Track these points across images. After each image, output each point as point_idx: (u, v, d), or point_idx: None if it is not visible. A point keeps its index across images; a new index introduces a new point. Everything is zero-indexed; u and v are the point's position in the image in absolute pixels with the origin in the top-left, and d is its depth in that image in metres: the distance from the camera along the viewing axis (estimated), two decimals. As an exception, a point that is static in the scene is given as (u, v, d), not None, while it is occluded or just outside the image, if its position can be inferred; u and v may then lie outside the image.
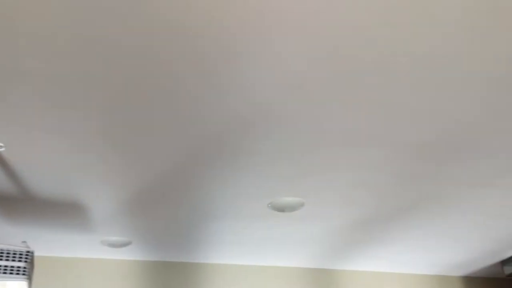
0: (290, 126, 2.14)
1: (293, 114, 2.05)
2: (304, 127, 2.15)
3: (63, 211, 2.98)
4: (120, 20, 1.52)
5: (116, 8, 1.48)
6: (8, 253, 1.86)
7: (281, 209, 3.00)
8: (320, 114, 2.06)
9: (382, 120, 2.12)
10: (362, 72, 1.82)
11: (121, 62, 1.71)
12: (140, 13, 1.51)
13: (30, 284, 1.98)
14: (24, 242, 1.91)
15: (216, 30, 1.58)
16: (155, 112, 2.01)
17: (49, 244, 3.52)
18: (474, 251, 4.11)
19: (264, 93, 1.91)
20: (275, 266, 4.31)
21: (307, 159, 2.44)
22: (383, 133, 2.23)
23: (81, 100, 1.92)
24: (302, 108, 2.00)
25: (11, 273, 1.85)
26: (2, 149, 2.22)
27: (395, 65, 1.79)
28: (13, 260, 1.86)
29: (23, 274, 1.87)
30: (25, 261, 1.88)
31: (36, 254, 3.27)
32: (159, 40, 1.62)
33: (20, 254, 1.88)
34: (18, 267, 1.87)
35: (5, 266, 1.84)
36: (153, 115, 2.03)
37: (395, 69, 1.81)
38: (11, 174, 2.47)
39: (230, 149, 2.33)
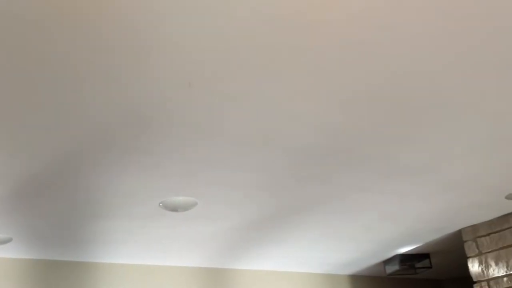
0: (182, 124, 2.10)
1: (186, 113, 2.02)
2: (196, 127, 2.13)
3: None
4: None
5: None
6: None
7: (173, 208, 2.96)
8: (212, 113, 2.04)
9: (274, 122, 2.15)
10: (255, 76, 1.83)
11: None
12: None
13: None
14: None
15: (112, 16, 1.51)
16: (38, 99, 1.87)
17: None
18: (359, 252, 4.35)
19: (158, 90, 1.86)
20: (170, 265, 4.25)
21: (199, 159, 2.42)
22: (273, 135, 2.26)
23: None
24: (194, 106, 1.98)
25: None
26: None
27: (283, 72, 1.82)
28: None
29: None
30: None
31: None
32: (46, 20, 1.51)
33: None
34: None
35: None
36: (36, 102, 1.89)
37: (284, 77, 1.85)
38: None
39: (119, 146, 2.24)
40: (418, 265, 4.56)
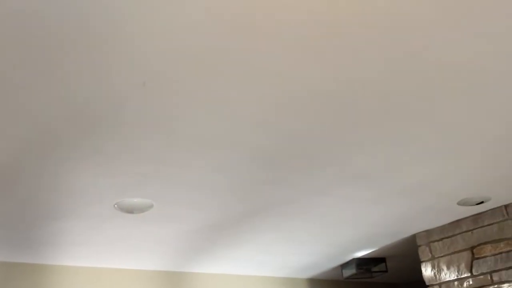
0: (136, 124, 2.08)
1: (141, 112, 2.00)
2: (151, 126, 2.11)
3: None
4: None
5: None
6: None
7: (129, 210, 2.91)
8: (168, 113, 2.03)
9: (228, 124, 2.15)
10: (214, 79, 1.83)
11: None
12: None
13: None
14: None
15: (62, 9, 1.48)
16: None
17: None
18: (317, 255, 4.39)
19: (111, 87, 1.83)
20: (126, 268, 4.19)
21: (154, 160, 2.40)
22: (233, 139, 2.27)
23: None
24: (149, 105, 1.96)
25: None
26: None
27: (243, 78, 1.83)
28: None
29: None
30: None
31: None
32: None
33: None
34: None
35: None
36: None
37: (243, 82, 1.85)
38: None
39: (71, 144, 2.19)
40: (375, 269, 4.64)
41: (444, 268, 3.92)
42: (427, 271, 4.04)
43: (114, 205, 2.85)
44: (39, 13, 1.46)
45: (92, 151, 2.26)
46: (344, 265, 4.65)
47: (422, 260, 4.08)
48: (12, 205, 2.77)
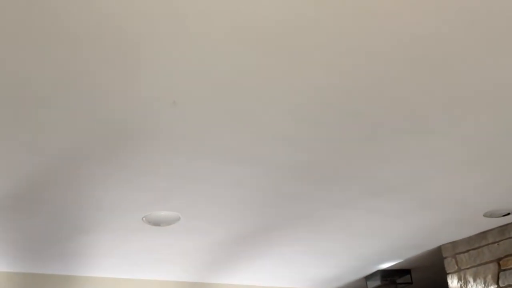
0: (164, 140, 2.13)
1: (168, 128, 2.05)
2: (179, 142, 2.16)
3: None
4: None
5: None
6: None
7: (156, 223, 2.96)
8: (196, 130, 2.08)
9: (256, 142, 2.20)
10: (238, 96, 1.87)
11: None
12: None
13: None
14: None
15: (91, 31, 1.54)
16: (17, 114, 1.88)
17: None
18: (341, 268, 4.38)
19: (139, 105, 1.89)
20: (151, 279, 4.23)
21: (182, 174, 2.44)
22: (258, 153, 2.30)
23: None
24: (177, 122, 2.01)
25: None
26: None
27: (265, 94, 1.87)
28: None
29: None
30: None
31: None
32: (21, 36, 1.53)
33: None
34: None
35: None
36: (15, 117, 1.90)
37: (266, 98, 1.89)
38: None
39: (101, 160, 2.26)
40: (399, 280, 4.60)
41: (471, 280, 3.87)
42: (453, 283, 3.99)
43: (142, 218, 2.91)
44: (71, 30, 1.53)
45: (121, 166, 2.32)
46: (369, 277, 4.61)
47: (448, 272, 4.03)
48: (42, 219, 2.84)
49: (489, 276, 3.75)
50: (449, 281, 4.02)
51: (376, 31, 1.60)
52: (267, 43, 1.62)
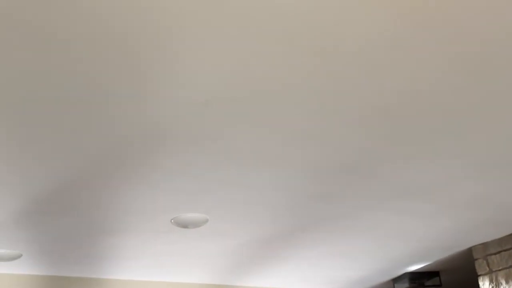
0: (194, 142, 2.12)
1: (196, 131, 2.04)
2: (207, 144, 2.15)
3: None
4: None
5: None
6: None
7: (184, 225, 2.96)
8: (225, 132, 2.06)
9: (285, 143, 2.17)
10: (267, 96, 1.85)
11: (10, 69, 1.61)
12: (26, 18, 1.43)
13: None
14: None
15: (119, 39, 1.54)
16: (49, 118, 1.89)
17: None
18: (368, 270, 4.32)
19: (168, 108, 1.88)
20: (177, 282, 4.25)
21: (211, 176, 2.43)
22: (286, 155, 2.28)
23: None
24: (205, 124, 2.00)
25: None
26: None
27: (296, 94, 1.84)
28: None
29: None
30: None
31: None
32: (52, 46, 1.54)
33: None
34: None
35: None
36: (47, 122, 1.91)
37: (296, 99, 1.87)
38: None
39: (131, 163, 2.26)
40: (428, 283, 4.52)
41: (503, 282, 3.78)
42: (484, 285, 3.91)
43: (170, 220, 2.91)
44: (106, 35, 1.53)
45: (150, 168, 2.31)
46: (396, 279, 4.55)
47: (479, 274, 3.94)
48: (70, 222, 2.87)
49: (522, 278, 3.67)
50: (480, 283, 3.94)
51: (422, 37, 1.56)
52: (297, 43, 1.59)
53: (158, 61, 1.63)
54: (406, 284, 4.45)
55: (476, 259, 3.97)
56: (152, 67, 1.66)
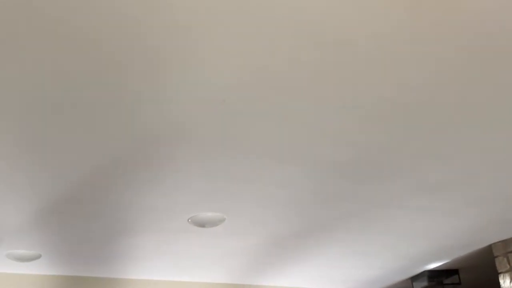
0: (210, 141, 2.12)
1: (214, 130, 2.04)
2: (225, 143, 2.14)
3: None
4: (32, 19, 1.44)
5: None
6: None
7: (201, 224, 2.96)
8: (242, 131, 2.06)
9: (302, 139, 2.16)
10: (283, 92, 1.84)
11: (28, 67, 1.62)
12: (48, 18, 1.43)
13: None
14: None
15: (135, 39, 1.54)
16: (67, 120, 1.91)
17: None
18: (387, 268, 4.28)
19: (184, 108, 1.88)
20: (196, 282, 4.25)
21: (228, 175, 2.43)
22: (303, 151, 2.27)
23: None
24: (222, 123, 1.99)
25: None
26: None
27: (312, 89, 1.83)
28: None
29: None
30: None
31: None
32: (70, 45, 1.55)
33: None
34: None
35: None
36: (65, 123, 1.92)
37: (312, 94, 1.85)
38: None
39: (147, 163, 2.26)
40: (447, 281, 4.46)
41: (524, 279, 3.72)
42: (505, 283, 3.84)
43: (188, 220, 2.91)
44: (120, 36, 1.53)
45: (168, 168, 2.32)
46: (415, 278, 4.50)
47: (500, 271, 3.88)
48: (88, 222, 2.89)
49: (543, 276, 3.60)
50: (501, 281, 3.87)
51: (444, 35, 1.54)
52: (315, 38, 1.58)
53: (177, 61, 1.63)
54: (425, 283, 4.40)
55: (496, 257, 3.91)
56: (171, 67, 1.66)
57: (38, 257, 3.38)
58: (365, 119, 2.05)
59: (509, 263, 3.83)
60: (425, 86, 1.86)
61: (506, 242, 3.85)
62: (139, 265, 3.74)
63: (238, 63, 1.66)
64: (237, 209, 2.85)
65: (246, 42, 1.58)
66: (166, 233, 3.13)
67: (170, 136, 2.07)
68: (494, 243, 3.90)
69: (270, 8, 1.45)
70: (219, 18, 1.47)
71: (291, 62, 1.68)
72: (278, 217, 3.04)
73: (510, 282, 3.83)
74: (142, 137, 2.06)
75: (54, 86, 1.71)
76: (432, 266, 4.34)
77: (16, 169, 2.26)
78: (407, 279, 4.64)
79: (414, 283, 4.55)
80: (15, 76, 1.65)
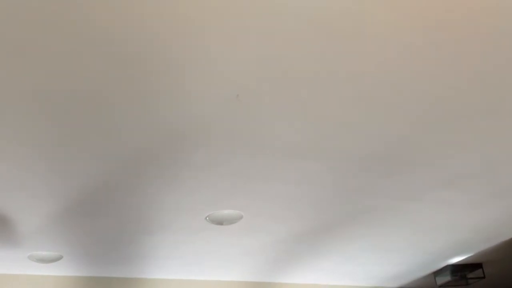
0: (226, 138, 2.11)
1: (230, 126, 2.02)
2: (242, 139, 2.13)
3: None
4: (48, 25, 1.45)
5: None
6: None
7: (219, 222, 2.95)
8: (258, 126, 2.04)
9: (320, 133, 2.13)
10: (300, 85, 1.82)
11: (49, 69, 1.62)
12: (67, 18, 1.43)
13: None
14: None
15: (149, 35, 1.53)
16: (85, 119, 1.91)
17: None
18: (409, 263, 4.23)
19: (200, 105, 1.87)
20: (216, 280, 4.25)
21: (245, 172, 2.42)
22: (322, 145, 2.24)
23: (13, 112, 1.81)
24: (239, 119, 1.98)
25: None
26: None
27: (329, 81, 1.80)
28: None
29: None
30: None
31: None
32: (88, 45, 1.54)
33: None
34: None
35: None
36: (83, 122, 1.93)
37: (330, 85, 1.82)
38: None
39: (164, 161, 2.26)
40: (470, 275, 4.39)
41: (551, 273, 3.63)
42: (531, 277, 3.76)
43: (205, 218, 2.90)
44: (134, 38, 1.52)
45: (184, 166, 2.31)
46: (437, 273, 4.43)
47: (525, 264, 3.80)
48: (106, 222, 2.90)
49: None
50: (527, 275, 3.79)
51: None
52: (331, 28, 1.55)
53: (190, 57, 1.62)
54: (448, 277, 4.33)
55: (522, 249, 3.83)
56: (184, 64, 1.65)
57: (59, 258, 3.42)
58: (384, 112, 2.01)
59: (534, 256, 3.75)
60: (439, 72, 1.82)
61: (531, 234, 3.77)
62: (158, 264, 3.75)
63: (251, 57, 1.64)
64: (255, 206, 2.83)
65: (259, 36, 1.55)
66: (183, 232, 3.13)
67: (189, 135, 2.07)
68: (519, 236, 3.82)
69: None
70: (232, 13, 1.45)
71: (307, 54, 1.65)
72: (297, 214, 3.01)
73: (537, 275, 3.74)
74: (159, 135, 2.05)
75: (76, 85, 1.71)
76: (455, 260, 4.27)
77: (36, 171, 2.28)
78: (429, 274, 4.57)
79: (437, 278, 4.48)
80: (40, 78, 1.66)
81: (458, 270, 4.33)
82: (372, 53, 1.68)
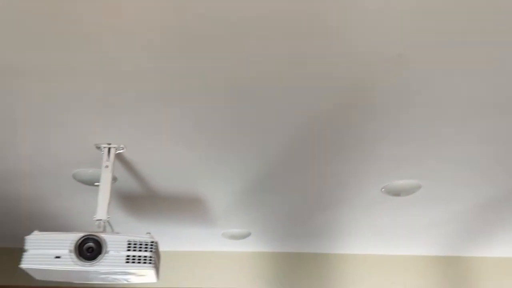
0: (398, 102, 2.03)
1: (401, 89, 1.94)
2: (414, 102, 2.03)
3: (184, 207, 3.15)
4: (208, 21, 1.57)
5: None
6: (135, 244, 2.01)
7: (396, 193, 2.88)
8: (430, 85, 1.93)
9: (501, 86, 1.93)
10: (480, 38, 1.68)
11: (225, 63, 1.76)
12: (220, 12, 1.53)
13: (157, 272, 2.12)
14: (148, 233, 2.05)
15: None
16: (264, 103, 2.02)
17: (174, 239, 3.75)
18: None
19: (366, 66, 1.83)
20: (397, 255, 4.16)
21: (423, 136, 2.30)
22: (504, 100, 2.03)
23: (195, 100, 2.00)
24: (408, 81, 1.89)
25: (139, 262, 1.99)
26: (123, 150, 2.40)
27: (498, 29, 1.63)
28: (140, 250, 2.01)
29: (150, 263, 2.01)
30: (151, 251, 2.02)
31: (163, 249, 3.50)
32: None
33: (146, 245, 2.02)
34: (145, 256, 2.01)
35: (133, 256, 2.00)
36: (262, 106, 2.04)
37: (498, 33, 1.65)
38: (134, 173, 2.66)
39: (343, 132, 2.26)
40: None
41: None
42: None
43: (381, 189, 2.86)
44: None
45: (358, 136, 2.28)
46: None
47: None
48: (293, 200, 3.02)
49: None
50: None
51: None
52: None
53: (345, 16, 1.61)
54: None
55: None
56: (338, 24, 1.64)
57: (248, 235, 3.68)
58: None
59: None
60: None
61: None
62: (338, 239, 3.80)
63: (416, 6, 1.56)
64: (432, 174, 2.69)
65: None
66: (360, 205, 3.11)
67: (358, 102, 2.02)
68: None
69: None
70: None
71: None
72: (484, 177, 2.76)
73: None
74: (333, 103, 2.04)
75: (249, 75, 1.84)
76: None
77: (222, 158, 2.48)
78: None
79: None
80: (210, 75, 1.82)
81: None
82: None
